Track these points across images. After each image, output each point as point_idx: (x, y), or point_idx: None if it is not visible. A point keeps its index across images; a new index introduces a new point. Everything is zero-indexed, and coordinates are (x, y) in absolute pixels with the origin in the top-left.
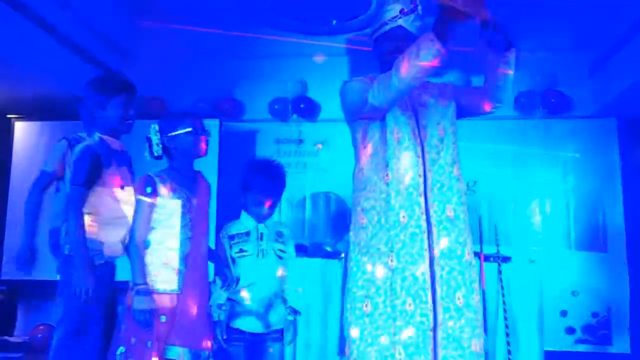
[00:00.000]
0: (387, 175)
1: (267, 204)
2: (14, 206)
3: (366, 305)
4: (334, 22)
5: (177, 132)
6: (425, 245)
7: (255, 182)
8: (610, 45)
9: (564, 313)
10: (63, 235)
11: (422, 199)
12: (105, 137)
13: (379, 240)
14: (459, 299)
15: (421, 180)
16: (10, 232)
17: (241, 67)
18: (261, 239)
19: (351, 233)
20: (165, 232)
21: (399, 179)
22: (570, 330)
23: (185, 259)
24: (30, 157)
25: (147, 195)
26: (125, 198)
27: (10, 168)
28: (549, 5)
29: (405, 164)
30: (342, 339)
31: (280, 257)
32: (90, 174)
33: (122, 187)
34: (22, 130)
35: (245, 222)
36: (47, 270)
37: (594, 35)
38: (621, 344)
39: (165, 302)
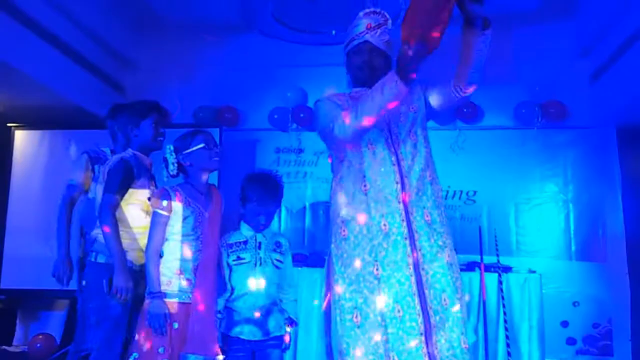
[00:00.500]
0: (365, 185)
1: (265, 215)
2: (14, 215)
3: (356, 317)
4: (334, 32)
5: (191, 149)
6: (409, 251)
7: (253, 193)
8: (609, 55)
9: (564, 323)
10: (76, 246)
11: (401, 206)
12: (137, 153)
13: (362, 250)
14: (444, 300)
15: (399, 187)
16: (9, 240)
17: (241, 77)
18: (259, 247)
19: (332, 245)
20: (178, 244)
21: (377, 188)
22: (571, 341)
23: (197, 269)
24: (30, 165)
25: (163, 207)
26: (149, 210)
27: (10, 176)
28: (548, 16)
29: (382, 173)
30: (330, 351)
31: (277, 267)
32: (123, 183)
33: (148, 199)
34: (22, 139)
35: (244, 231)
36: (46, 279)
37: (592, 45)
38: (622, 355)
39: (177, 310)
